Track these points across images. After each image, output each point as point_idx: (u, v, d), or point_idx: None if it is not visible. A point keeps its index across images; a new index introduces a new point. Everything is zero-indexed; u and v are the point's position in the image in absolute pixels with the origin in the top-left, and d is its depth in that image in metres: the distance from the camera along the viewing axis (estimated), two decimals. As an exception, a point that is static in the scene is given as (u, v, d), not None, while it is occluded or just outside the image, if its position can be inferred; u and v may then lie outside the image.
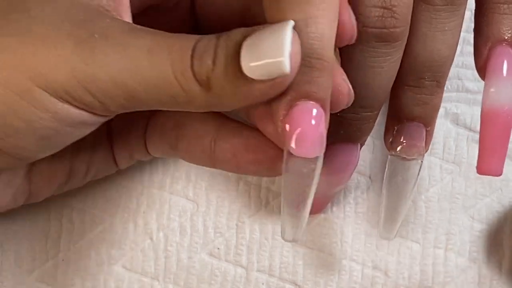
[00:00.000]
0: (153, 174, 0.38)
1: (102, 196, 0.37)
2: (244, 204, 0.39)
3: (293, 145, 0.27)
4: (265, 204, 0.39)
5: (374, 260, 0.38)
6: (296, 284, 0.38)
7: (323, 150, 0.28)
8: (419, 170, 0.33)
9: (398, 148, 0.33)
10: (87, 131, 0.29)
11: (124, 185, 0.38)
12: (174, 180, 0.39)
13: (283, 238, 0.30)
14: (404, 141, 0.33)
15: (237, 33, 0.27)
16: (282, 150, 0.29)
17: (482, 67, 0.32)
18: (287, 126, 0.27)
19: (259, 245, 0.38)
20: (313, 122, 0.27)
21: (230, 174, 0.39)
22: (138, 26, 0.28)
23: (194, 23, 0.34)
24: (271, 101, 0.28)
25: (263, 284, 0.38)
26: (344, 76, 0.29)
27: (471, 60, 0.38)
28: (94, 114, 0.28)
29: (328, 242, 0.38)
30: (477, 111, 0.39)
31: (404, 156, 0.33)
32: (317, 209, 0.38)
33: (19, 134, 0.27)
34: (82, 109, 0.27)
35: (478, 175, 0.38)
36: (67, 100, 0.27)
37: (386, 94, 0.31)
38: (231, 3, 0.32)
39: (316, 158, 0.28)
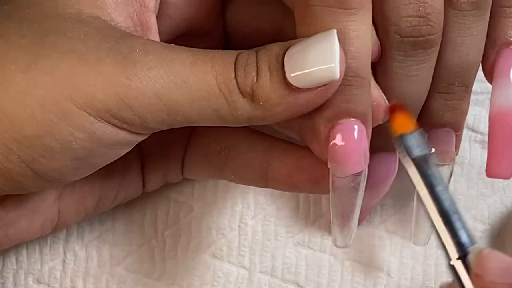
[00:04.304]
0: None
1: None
2: (247, 205, 0.39)
3: (338, 162, 0.28)
4: (267, 205, 0.39)
5: (377, 261, 0.38)
6: (298, 285, 0.38)
7: (367, 163, 0.29)
8: (451, 174, 0.34)
9: None
10: (121, 152, 0.28)
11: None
12: (176, 181, 0.39)
13: (335, 245, 0.31)
14: (436, 147, 0.33)
15: (274, 46, 0.27)
16: None
17: (490, 71, 0.32)
18: (330, 144, 0.28)
19: (261, 246, 0.38)
20: (355, 138, 0.28)
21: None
22: (174, 45, 0.28)
23: (226, 49, 0.34)
24: (313, 121, 0.28)
25: (265, 285, 0.38)
26: (381, 92, 0.29)
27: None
28: (132, 132, 0.27)
29: (331, 243, 0.38)
30: (479, 111, 0.39)
31: (436, 162, 0.34)
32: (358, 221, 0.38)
33: (54, 155, 0.26)
34: (120, 127, 0.27)
35: (480, 175, 0.38)
36: (107, 119, 0.26)
37: (422, 102, 0.32)
38: (263, 27, 0.33)
39: (361, 171, 0.29)
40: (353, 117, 0.28)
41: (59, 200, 0.33)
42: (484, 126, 0.39)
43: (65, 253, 0.38)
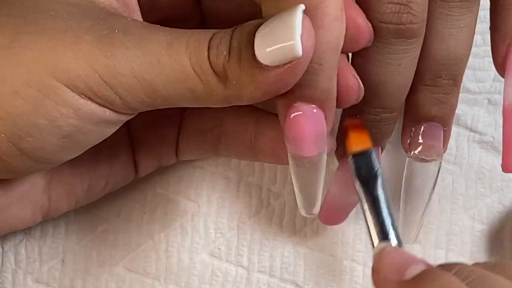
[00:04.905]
0: (154, 175, 0.38)
1: (104, 196, 0.37)
2: (245, 204, 0.39)
3: (291, 145, 0.28)
4: (266, 205, 0.39)
5: (375, 261, 0.38)
6: (297, 285, 0.38)
7: (322, 148, 0.29)
8: (438, 170, 0.33)
9: (417, 149, 0.33)
10: (108, 130, 0.29)
11: (126, 186, 0.38)
12: (175, 180, 0.39)
13: (302, 213, 0.31)
14: (423, 142, 0.33)
15: (250, 23, 0.27)
16: None
17: (501, 64, 0.32)
18: (285, 127, 0.28)
19: (260, 245, 0.38)
20: (307, 123, 0.28)
21: (230, 175, 0.39)
22: (155, 25, 0.28)
23: None
24: (276, 103, 0.28)
25: (264, 284, 0.38)
26: (354, 72, 0.29)
27: (472, 60, 0.38)
28: (116, 112, 0.28)
29: (329, 243, 0.38)
30: (477, 111, 0.39)
31: (423, 157, 0.33)
32: (340, 218, 0.37)
33: (41, 133, 0.27)
34: (104, 106, 0.27)
35: (478, 175, 0.38)
36: (89, 96, 0.27)
37: (404, 94, 0.32)
38: (239, 10, 0.33)
39: (316, 155, 0.29)
40: (308, 102, 0.28)
41: (49, 187, 0.33)
42: (482, 126, 0.39)
43: (64, 253, 0.38)
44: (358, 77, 0.30)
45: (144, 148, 0.35)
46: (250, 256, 0.38)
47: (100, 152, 0.29)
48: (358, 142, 0.29)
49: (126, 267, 0.38)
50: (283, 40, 0.26)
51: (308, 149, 0.28)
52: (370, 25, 0.29)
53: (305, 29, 0.26)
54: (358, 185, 0.28)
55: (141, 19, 0.30)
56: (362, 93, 0.30)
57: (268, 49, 0.26)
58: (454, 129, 0.39)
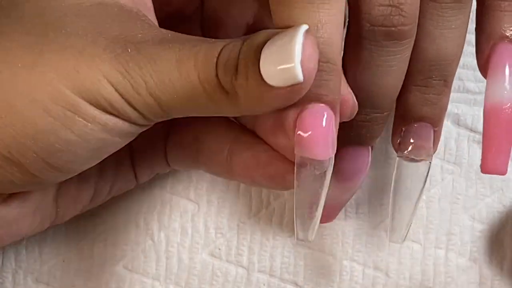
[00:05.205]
0: (155, 175, 0.38)
1: (104, 196, 0.37)
2: (245, 204, 0.39)
3: (305, 148, 0.28)
4: (266, 204, 0.39)
5: (375, 261, 0.38)
6: (297, 285, 0.38)
7: (334, 151, 0.28)
8: (428, 171, 0.33)
9: (407, 149, 0.33)
10: (130, 139, 0.29)
11: (126, 185, 0.38)
12: (175, 180, 0.39)
13: (296, 238, 0.30)
14: (413, 142, 0.33)
15: (257, 36, 0.27)
16: (292, 164, 0.29)
17: (484, 65, 0.32)
18: (298, 130, 0.27)
19: (260, 245, 0.38)
20: (323, 124, 0.27)
21: (231, 174, 0.39)
22: (169, 34, 0.28)
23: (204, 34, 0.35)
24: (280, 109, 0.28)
25: (264, 284, 0.38)
26: (349, 88, 0.29)
27: (471, 60, 0.38)
28: (137, 125, 0.28)
29: (329, 243, 0.38)
30: (477, 111, 0.39)
31: (413, 157, 0.33)
32: (329, 217, 0.37)
33: (70, 148, 0.27)
34: (128, 121, 0.27)
35: (479, 175, 0.38)
36: (112, 113, 0.27)
37: (395, 94, 0.31)
38: (240, 14, 0.33)
39: (328, 159, 0.28)
40: (322, 102, 0.27)
41: (58, 196, 0.33)
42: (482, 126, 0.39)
43: (64, 253, 0.38)
44: (353, 93, 0.29)
45: (139, 155, 0.35)
46: (250, 256, 0.38)
47: (105, 161, 0.29)
48: None
49: (126, 267, 0.38)
50: (284, 62, 0.25)
51: (325, 150, 0.28)
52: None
53: (306, 51, 0.25)
54: None
55: (155, 17, 0.30)
56: (356, 109, 0.30)
57: (272, 70, 0.26)
58: (454, 129, 0.39)
